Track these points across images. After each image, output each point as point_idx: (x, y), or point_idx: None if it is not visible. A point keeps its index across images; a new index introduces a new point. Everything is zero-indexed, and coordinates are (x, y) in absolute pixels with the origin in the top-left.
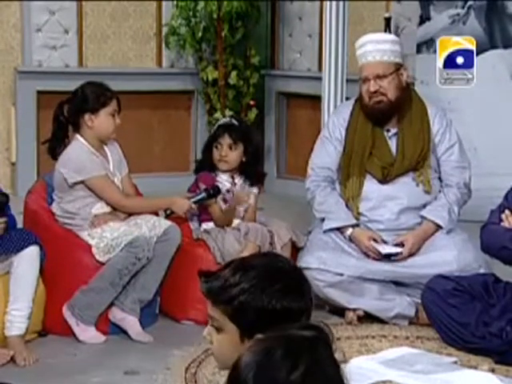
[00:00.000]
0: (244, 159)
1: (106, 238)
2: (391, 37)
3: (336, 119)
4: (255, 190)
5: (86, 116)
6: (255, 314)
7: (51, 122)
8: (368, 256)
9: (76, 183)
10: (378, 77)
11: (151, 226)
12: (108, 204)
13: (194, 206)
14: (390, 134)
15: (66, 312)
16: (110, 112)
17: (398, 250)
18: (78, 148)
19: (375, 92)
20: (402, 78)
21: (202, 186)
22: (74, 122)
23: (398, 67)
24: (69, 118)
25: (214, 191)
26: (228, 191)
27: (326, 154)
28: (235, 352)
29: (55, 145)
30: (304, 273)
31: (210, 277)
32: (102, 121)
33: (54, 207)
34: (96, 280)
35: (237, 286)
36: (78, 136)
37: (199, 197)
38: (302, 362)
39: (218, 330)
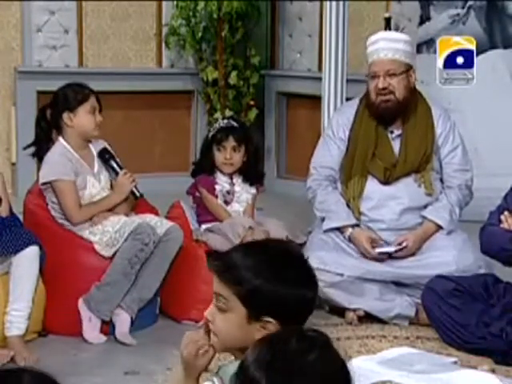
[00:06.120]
0: (245, 159)
1: (108, 232)
2: (405, 37)
3: (340, 119)
4: (253, 190)
5: (65, 115)
6: (269, 300)
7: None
8: (366, 257)
9: (44, 184)
10: (388, 74)
11: (153, 226)
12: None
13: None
14: (393, 135)
15: (81, 306)
16: (89, 109)
17: (392, 248)
18: (56, 151)
19: (384, 89)
20: (411, 79)
21: None
22: (56, 125)
23: (408, 68)
24: (51, 122)
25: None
26: (228, 192)
27: (329, 153)
28: (239, 332)
29: (39, 149)
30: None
31: (220, 255)
32: (81, 119)
33: (50, 209)
34: (109, 274)
35: (252, 268)
36: (59, 138)
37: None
38: (316, 346)
39: (223, 309)
